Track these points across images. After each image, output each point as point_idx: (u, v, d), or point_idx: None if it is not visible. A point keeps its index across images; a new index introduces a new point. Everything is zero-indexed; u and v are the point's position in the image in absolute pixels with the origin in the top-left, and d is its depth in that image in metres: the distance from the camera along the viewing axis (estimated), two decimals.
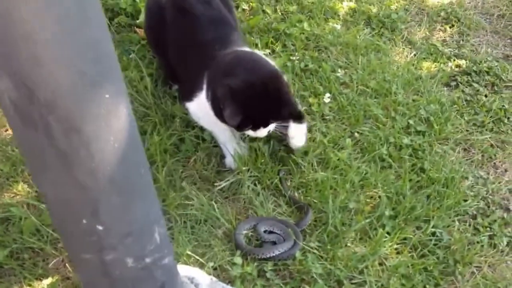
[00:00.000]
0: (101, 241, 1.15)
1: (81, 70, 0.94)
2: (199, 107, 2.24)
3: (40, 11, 0.86)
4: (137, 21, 2.85)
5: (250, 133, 2.12)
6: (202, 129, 2.31)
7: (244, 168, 2.16)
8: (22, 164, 2.14)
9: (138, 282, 1.28)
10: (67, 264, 1.84)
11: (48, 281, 1.81)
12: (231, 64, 2.12)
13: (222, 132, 2.27)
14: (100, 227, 1.12)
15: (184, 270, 1.69)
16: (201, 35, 2.26)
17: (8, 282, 1.81)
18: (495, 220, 2.19)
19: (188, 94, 2.28)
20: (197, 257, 1.87)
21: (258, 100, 2.03)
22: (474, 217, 2.20)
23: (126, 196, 1.13)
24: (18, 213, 1.96)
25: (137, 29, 2.80)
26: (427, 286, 1.90)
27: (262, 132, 2.10)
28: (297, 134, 2.21)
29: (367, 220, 2.05)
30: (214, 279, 1.74)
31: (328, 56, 2.87)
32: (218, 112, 2.06)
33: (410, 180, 2.24)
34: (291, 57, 2.80)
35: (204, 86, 2.16)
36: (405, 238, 2.03)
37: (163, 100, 2.44)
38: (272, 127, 2.12)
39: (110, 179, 1.06)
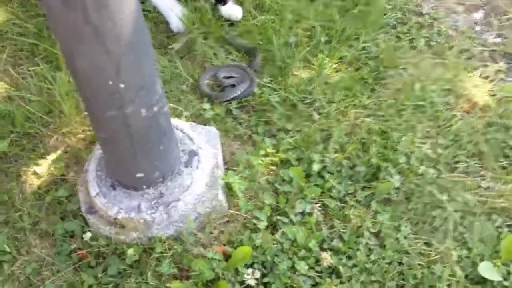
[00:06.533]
0: (122, 97, 1.44)
1: None
2: None
3: None
4: None
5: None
6: (142, 1, 2.52)
7: (193, 26, 2.41)
8: None
9: (149, 129, 1.59)
10: (66, 139, 2.13)
11: (52, 157, 2.11)
12: None
13: None
14: (122, 85, 1.40)
15: None
16: None
17: (17, 166, 2.10)
18: (412, 26, 2.56)
19: None
20: (173, 109, 2.18)
21: None
22: (394, 26, 2.56)
23: (139, 55, 1.41)
24: (5, 107, 2.21)
25: None
26: (365, 92, 2.29)
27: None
28: (232, 9, 2.48)
29: (307, 49, 2.38)
30: (194, 123, 2.06)
31: None
32: None
33: (337, 6, 2.54)
34: None
35: None
36: (341, 58, 2.38)
37: None
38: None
39: (129, 42, 1.33)
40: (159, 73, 1.58)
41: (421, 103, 2.24)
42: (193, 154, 1.90)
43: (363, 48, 2.42)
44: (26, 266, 1.84)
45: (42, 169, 2.07)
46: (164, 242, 1.79)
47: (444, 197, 1.99)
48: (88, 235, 1.82)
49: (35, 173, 2.06)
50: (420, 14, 2.61)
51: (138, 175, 1.75)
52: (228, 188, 1.91)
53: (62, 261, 1.84)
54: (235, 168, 1.99)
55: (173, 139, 1.80)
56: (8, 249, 1.87)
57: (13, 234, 1.91)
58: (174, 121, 2.02)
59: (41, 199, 1.98)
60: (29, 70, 2.33)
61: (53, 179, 2.04)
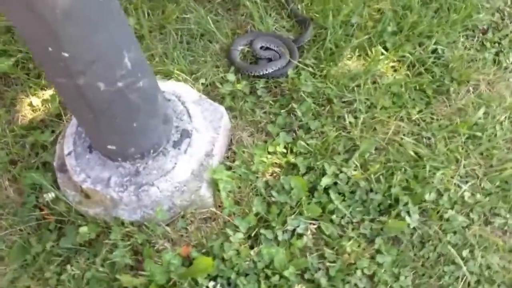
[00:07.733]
0: (68, 67, 1.26)
1: None
2: None
3: None
4: None
5: None
6: None
7: None
8: None
9: (113, 103, 1.39)
10: None
11: (50, 92, 1.94)
12: None
13: None
14: (65, 54, 1.22)
15: (173, 87, 1.76)
16: None
17: (15, 91, 1.96)
18: (506, 35, 2.11)
19: None
20: (187, 77, 1.92)
21: None
22: (485, 31, 2.12)
23: (85, 26, 1.21)
24: None
25: None
26: (418, 104, 1.92)
27: None
28: None
29: (367, 36, 2.02)
30: (203, 96, 1.80)
31: None
32: None
33: None
34: None
35: None
36: (403, 56, 2.00)
37: None
38: None
39: (67, 11, 1.14)
40: (132, 44, 1.32)
41: (478, 133, 1.86)
42: (185, 134, 1.66)
43: (434, 51, 2.02)
44: None
45: (39, 102, 1.91)
46: (126, 227, 1.60)
47: (464, 253, 1.68)
48: (50, 195, 1.66)
49: (31, 104, 1.91)
50: None
51: (109, 147, 1.56)
52: (215, 184, 1.67)
53: (24, 214, 1.71)
54: (230, 162, 1.74)
55: (157, 116, 1.56)
56: None
57: None
58: (181, 88, 1.78)
59: (27, 136, 1.83)
60: None
61: (46, 117, 1.88)
